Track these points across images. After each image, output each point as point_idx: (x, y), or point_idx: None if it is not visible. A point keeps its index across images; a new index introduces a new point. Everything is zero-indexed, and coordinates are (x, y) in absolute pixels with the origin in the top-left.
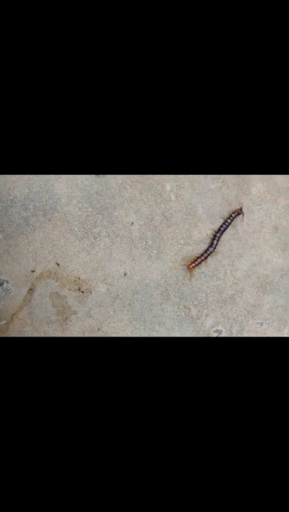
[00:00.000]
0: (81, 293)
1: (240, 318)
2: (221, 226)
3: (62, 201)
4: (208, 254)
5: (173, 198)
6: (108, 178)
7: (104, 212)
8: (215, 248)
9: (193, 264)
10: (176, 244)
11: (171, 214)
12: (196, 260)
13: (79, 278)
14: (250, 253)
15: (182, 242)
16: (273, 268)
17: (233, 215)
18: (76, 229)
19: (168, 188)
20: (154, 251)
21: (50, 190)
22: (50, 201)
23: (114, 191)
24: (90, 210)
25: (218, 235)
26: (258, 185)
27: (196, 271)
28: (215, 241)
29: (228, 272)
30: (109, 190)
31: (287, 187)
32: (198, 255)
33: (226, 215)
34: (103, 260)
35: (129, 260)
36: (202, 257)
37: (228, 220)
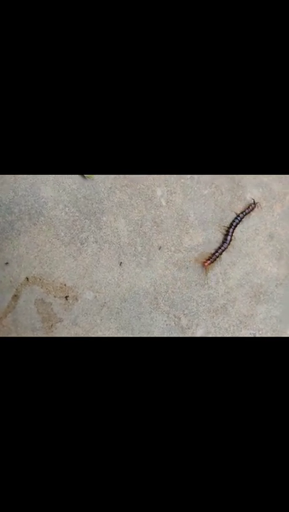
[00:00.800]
0: (66, 300)
1: (232, 328)
2: (234, 221)
3: (49, 205)
4: (223, 251)
5: (164, 203)
6: (97, 181)
7: (92, 217)
8: (229, 244)
9: (209, 262)
10: (166, 251)
11: (161, 220)
12: (210, 257)
13: (65, 285)
14: (244, 261)
15: (173, 249)
16: (267, 277)
17: (246, 210)
18: (62, 234)
19: (159, 193)
20: (144, 258)
21: (36, 193)
22: (36, 205)
23: (102, 196)
24: (77, 214)
25: (231, 230)
26: (253, 192)
27: (187, 279)
28: (229, 236)
29: (221, 280)
30: (98, 195)
31: (283, 193)
32: (212, 252)
33: (240, 209)
34: (90, 267)
35: (117, 267)
36: (217, 254)
37: (241, 215)
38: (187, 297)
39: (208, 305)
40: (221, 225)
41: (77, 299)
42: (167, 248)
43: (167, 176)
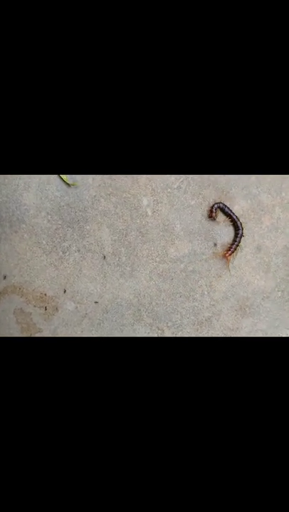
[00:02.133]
0: (46, 310)
1: None
2: (225, 207)
3: (31, 212)
4: (241, 237)
5: (149, 213)
6: (81, 189)
7: (75, 225)
8: (242, 228)
9: (230, 252)
10: (151, 261)
11: (147, 230)
12: (230, 248)
13: (45, 294)
14: (230, 274)
15: (158, 259)
16: (254, 290)
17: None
18: (44, 242)
19: (144, 202)
20: (128, 268)
21: (18, 200)
22: (18, 212)
23: (86, 204)
24: (59, 222)
25: (234, 216)
26: (241, 203)
27: (171, 291)
28: (238, 222)
29: (206, 292)
30: (82, 203)
31: (272, 205)
32: (230, 243)
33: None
34: (72, 276)
35: (100, 277)
36: (236, 242)
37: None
38: (171, 309)
39: (192, 317)
40: (223, 219)
41: (57, 309)
42: (152, 259)
43: (154, 186)
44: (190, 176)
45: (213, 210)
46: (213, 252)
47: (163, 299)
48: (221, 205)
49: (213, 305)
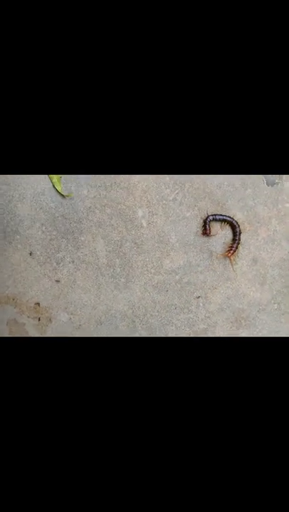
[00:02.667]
0: (39, 321)
1: None
2: (215, 215)
3: (25, 223)
4: (240, 234)
5: (145, 224)
6: (76, 201)
7: (70, 236)
8: (239, 225)
9: (232, 251)
10: (146, 273)
11: (142, 241)
12: (232, 247)
13: (39, 305)
14: (226, 285)
15: (153, 271)
16: (250, 302)
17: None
18: (38, 253)
19: (140, 214)
20: (122, 279)
21: (13, 211)
22: (12, 223)
23: (81, 215)
24: (54, 233)
25: (227, 217)
26: (238, 215)
27: (166, 302)
28: (234, 221)
29: (201, 304)
30: (76, 214)
31: (268, 217)
32: (230, 243)
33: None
34: (66, 287)
35: (94, 288)
36: (236, 240)
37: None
38: (166, 321)
39: (187, 329)
40: (220, 225)
41: (51, 320)
42: (147, 270)
43: (149, 197)
44: (185, 188)
45: (207, 226)
46: (216, 254)
47: (158, 311)
48: (211, 217)
49: (209, 317)
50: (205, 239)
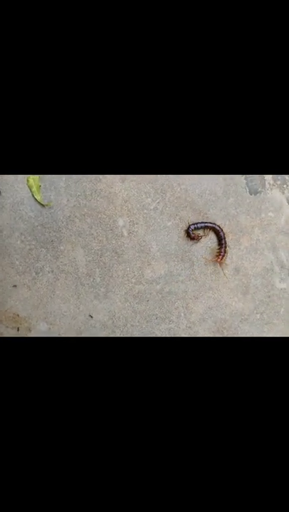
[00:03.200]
0: (18, 331)
1: None
2: (198, 223)
3: (4, 233)
4: (225, 238)
5: (125, 234)
6: (55, 210)
7: (49, 245)
8: (222, 229)
9: (221, 256)
10: (126, 282)
11: (122, 251)
12: (220, 252)
13: (18, 315)
14: (207, 295)
15: (133, 280)
16: (232, 312)
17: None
18: (17, 263)
19: (120, 223)
20: (102, 289)
21: None
22: None
23: (60, 224)
24: (33, 243)
25: (209, 223)
26: (220, 224)
27: (147, 312)
28: (216, 226)
29: (182, 314)
30: (56, 223)
31: (251, 226)
32: (217, 248)
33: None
34: (45, 297)
35: (73, 298)
36: (222, 245)
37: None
38: (147, 331)
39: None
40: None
41: (30, 330)
42: (128, 280)
43: (130, 206)
44: (166, 197)
45: (191, 234)
46: (204, 259)
47: (138, 321)
48: (192, 226)
49: (190, 327)
50: (186, 248)
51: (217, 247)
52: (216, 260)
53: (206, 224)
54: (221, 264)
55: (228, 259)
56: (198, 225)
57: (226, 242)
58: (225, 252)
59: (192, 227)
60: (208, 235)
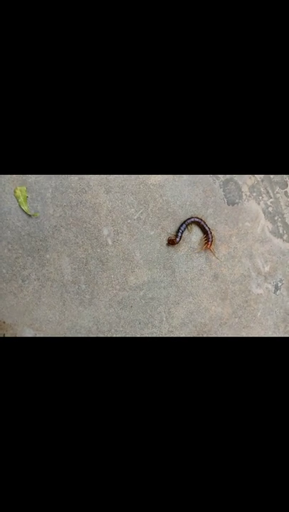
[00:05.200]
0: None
1: None
2: (180, 226)
3: None
4: (207, 225)
5: (110, 242)
6: (41, 220)
7: (35, 254)
8: (203, 220)
9: (209, 243)
10: (111, 289)
11: (107, 259)
12: (207, 240)
13: (4, 322)
14: (188, 301)
15: (118, 287)
16: (212, 317)
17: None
18: (4, 271)
19: (105, 232)
20: (87, 296)
21: None
22: None
23: (47, 233)
24: (20, 251)
25: (188, 220)
26: (199, 233)
27: (131, 318)
28: (196, 219)
29: (164, 319)
30: (42, 232)
31: (228, 235)
32: (204, 237)
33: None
34: (31, 304)
35: (59, 305)
36: (209, 233)
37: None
38: (130, 336)
39: None
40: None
41: (16, 336)
42: (112, 286)
43: (114, 216)
44: (149, 208)
45: (179, 239)
46: (198, 250)
47: (122, 326)
48: (180, 234)
49: (172, 331)
50: (168, 256)
51: (203, 236)
52: (207, 247)
53: (187, 223)
54: (211, 249)
55: (207, 266)
56: (182, 228)
57: (209, 229)
58: (212, 236)
59: (180, 234)
60: (191, 230)
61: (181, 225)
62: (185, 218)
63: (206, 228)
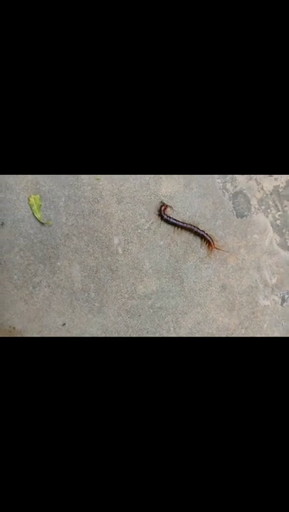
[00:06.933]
0: None
1: None
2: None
3: (4, 248)
4: (199, 229)
5: (120, 251)
6: (54, 228)
7: (47, 261)
8: (194, 225)
9: (212, 245)
10: (120, 297)
11: (117, 267)
12: (208, 242)
13: (14, 328)
14: (196, 311)
15: (126, 295)
16: (219, 327)
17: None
18: (16, 277)
19: (116, 241)
20: (96, 304)
21: None
22: None
23: (58, 241)
24: (31, 258)
25: (180, 222)
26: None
27: (139, 327)
28: (187, 225)
29: (172, 329)
30: (54, 240)
31: (237, 247)
32: (203, 242)
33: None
34: (41, 311)
35: (68, 312)
36: (204, 235)
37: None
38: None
39: None
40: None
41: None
42: (121, 295)
43: (125, 226)
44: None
45: (163, 215)
46: (207, 255)
47: (130, 335)
48: (168, 217)
49: None
50: (177, 266)
51: (202, 241)
52: (213, 248)
53: (181, 225)
54: (217, 248)
55: (215, 277)
56: (175, 221)
57: (203, 231)
58: (210, 237)
59: (169, 219)
60: (180, 233)
61: (178, 221)
62: (184, 221)
63: (200, 232)
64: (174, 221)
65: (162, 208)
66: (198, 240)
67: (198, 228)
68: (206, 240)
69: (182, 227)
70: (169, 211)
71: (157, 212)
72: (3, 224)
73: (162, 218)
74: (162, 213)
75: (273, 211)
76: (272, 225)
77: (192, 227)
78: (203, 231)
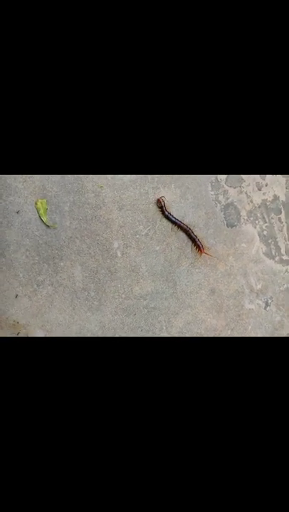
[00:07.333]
0: (17, 335)
1: None
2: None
3: (11, 248)
4: (193, 232)
5: (119, 254)
6: (59, 230)
7: (51, 261)
8: (190, 228)
9: (201, 249)
10: (117, 297)
11: (115, 269)
12: (198, 246)
13: (18, 322)
14: (186, 312)
15: (124, 296)
16: (207, 327)
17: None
18: (21, 275)
19: (115, 245)
20: (95, 302)
21: (1, 236)
22: None
23: (63, 243)
24: (36, 258)
25: (179, 221)
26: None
27: (134, 325)
28: (183, 225)
29: (164, 327)
30: (58, 242)
31: (226, 254)
32: (193, 246)
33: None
34: (43, 307)
35: (69, 309)
36: (195, 240)
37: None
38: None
39: None
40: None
41: (28, 336)
42: (118, 295)
43: (124, 231)
44: (156, 225)
45: (165, 212)
46: (197, 259)
47: (125, 332)
48: (169, 214)
49: None
50: (171, 270)
51: (192, 245)
52: (202, 252)
53: (177, 223)
54: (206, 253)
55: (205, 281)
56: (174, 219)
57: (196, 236)
58: (200, 242)
59: (170, 216)
60: (174, 229)
61: (176, 219)
62: (183, 221)
63: (192, 235)
64: (174, 219)
65: (163, 204)
66: (190, 244)
67: (192, 232)
68: (196, 244)
69: (180, 226)
70: (169, 208)
71: (159, 208)
72: (18, 212)
73: (163, 214)
74: (164, 209)
75: (261, 222)
76: (259, 235)
77: (188, 229)
78: (196, 236)
